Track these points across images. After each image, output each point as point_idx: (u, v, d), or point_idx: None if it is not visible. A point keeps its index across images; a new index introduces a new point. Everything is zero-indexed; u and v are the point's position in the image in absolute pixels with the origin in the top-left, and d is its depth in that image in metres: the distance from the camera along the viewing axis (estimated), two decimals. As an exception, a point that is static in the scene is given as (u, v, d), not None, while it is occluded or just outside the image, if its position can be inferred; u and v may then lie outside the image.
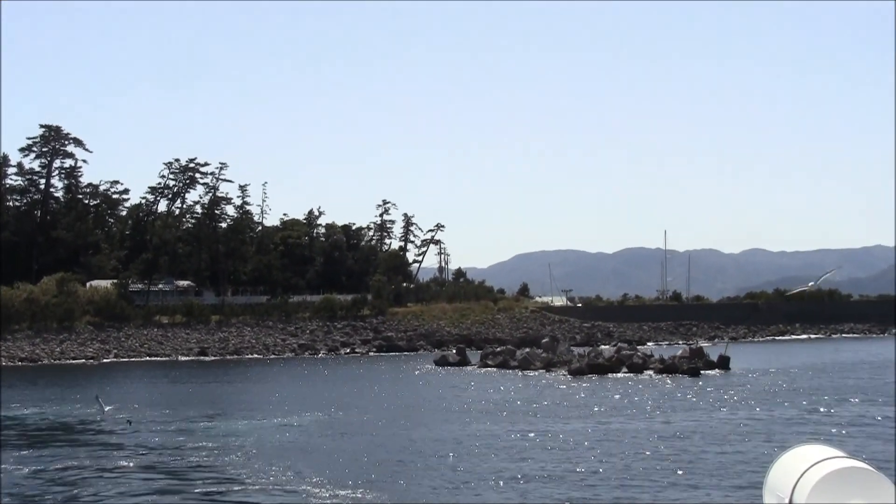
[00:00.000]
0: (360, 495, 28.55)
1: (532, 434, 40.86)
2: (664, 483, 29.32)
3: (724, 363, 75.61)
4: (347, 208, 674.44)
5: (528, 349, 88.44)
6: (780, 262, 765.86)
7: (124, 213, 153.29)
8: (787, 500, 4.11)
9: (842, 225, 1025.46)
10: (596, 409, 50.47)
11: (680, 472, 30.84)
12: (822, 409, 48.19)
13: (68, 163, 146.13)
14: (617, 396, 56.85)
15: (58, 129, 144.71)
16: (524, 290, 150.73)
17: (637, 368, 74.55)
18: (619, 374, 72.84)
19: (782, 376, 69.02)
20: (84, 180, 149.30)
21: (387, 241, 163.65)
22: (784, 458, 4.37)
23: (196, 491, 29.84)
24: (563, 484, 29.51)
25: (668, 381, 66.74)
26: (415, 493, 29.12)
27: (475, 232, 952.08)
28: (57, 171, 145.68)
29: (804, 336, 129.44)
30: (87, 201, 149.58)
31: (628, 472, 31.31)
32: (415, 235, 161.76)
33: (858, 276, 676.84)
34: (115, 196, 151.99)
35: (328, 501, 28.02)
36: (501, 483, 29.89)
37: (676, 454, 34.57)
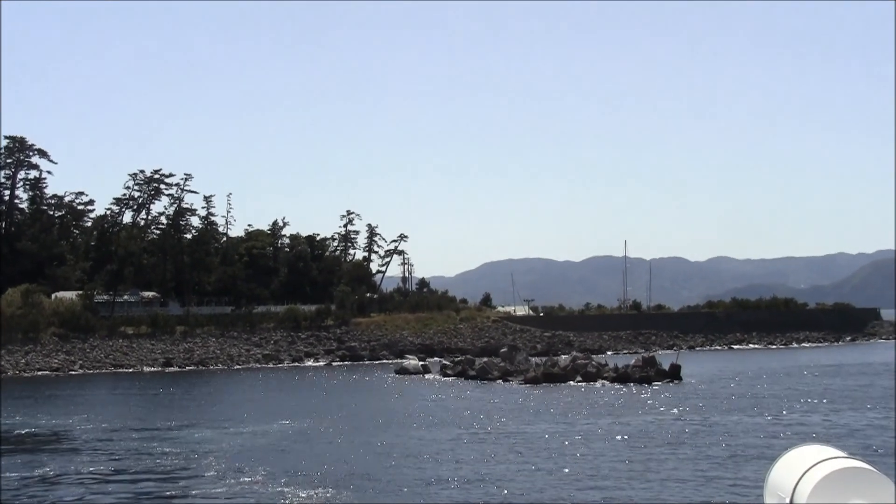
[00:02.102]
0: (328, 497, 30.75)
1: (466, 439, 42.99)
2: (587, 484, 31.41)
3: (675, 372, 77.72)
4: (312, 219, 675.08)
5: (486, 358, 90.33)
6: (745, 270, 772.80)
7: (89, 224, 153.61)
8: (787, 500, 4.14)
9: (806, 233, 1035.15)
10: (534, 414, 52.66)
11: (591, 475, 32.97)
12: (753, 416, 50.41)
13: (33, 174, 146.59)
14: (561, 404, 59.00)
15: (22, 141, 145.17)
16: (487, 300, 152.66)
17: (591, 377, 76.63)
18: (573, 383, 74.93)
19: (728, 384, 71.35)
20: (49, 191, 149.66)
21: (351, 251, 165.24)
22: (785, 458, 4.42)
23: (167, 495, 31.84)
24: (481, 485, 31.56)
25: (615, 390, 68.92)
26: (378, 494, 31.58)
27: (442, 241, 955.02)
28: (21, 183, 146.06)
29: (759, 346, 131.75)
30: (51, 213, 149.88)
31: (553, 472, 33.41)
32: (378, 246, 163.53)
33: (822, 283, 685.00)
34: (80, 207, 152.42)
35: (296, 499, 30.22)
36: (445, 483, 31.90)
37: (591, 456, 36.90)
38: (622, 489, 31.10)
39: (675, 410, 54.22)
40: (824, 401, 58.46)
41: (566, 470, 34.76)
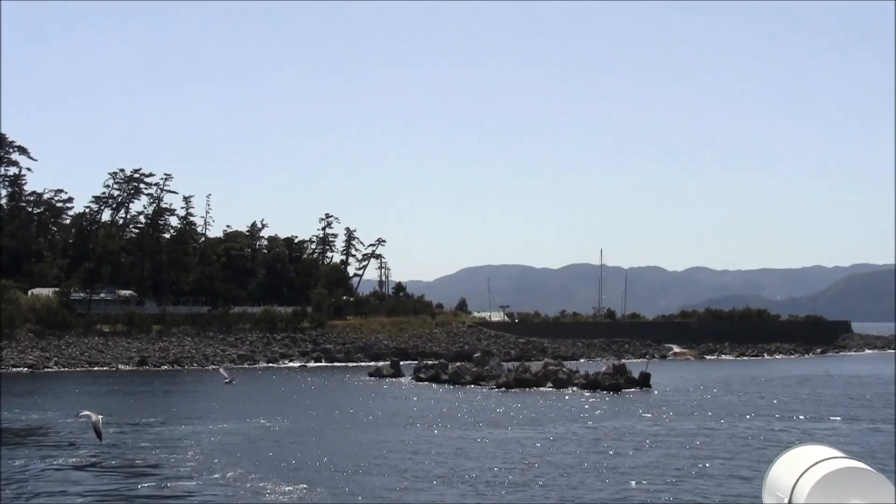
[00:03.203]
0: (300, 492, 32.25)
1: (426, 441, 43.98)
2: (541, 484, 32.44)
3: (644, 380, 78.87)
4: (290, 221, 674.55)
5: (459, 363, 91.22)
6: (722, 281, 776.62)
7: (68, 221, 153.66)
8: (786, 500, 4.15)
9: (783, 246, 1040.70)
10: (499, 419, 53.74)
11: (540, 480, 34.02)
12: (714, 424, 51.57)
13: (12, 171, 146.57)
14: (525, 410, 60.05)
15: (2, 137, 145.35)
16: (462, 305, 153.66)
17: (562, 384, 77.64)
18: (544, 389, 75.94)
19: (695, 393, 72.55)
20: (28, 188, 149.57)
21: (328, 254, 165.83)
22: (783, 458, 4.42)
23: (144, 489, 32.86)
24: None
25: (584, 397, 70.01)
26: (348, 489, 32.96)
27: (422, 245, 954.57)
28: (0, 179, 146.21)
29: (731, 356, 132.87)
30: (30, 209, 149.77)
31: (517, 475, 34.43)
32: (356, 249, 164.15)
33: (798, 295, 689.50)
34: (58, 205, 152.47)
35: (270, 497, 31.26)
36: (412, 481, 32.92)
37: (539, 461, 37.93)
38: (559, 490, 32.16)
39: (647, 416, 55.33)
40: (783, 409, 59.71)
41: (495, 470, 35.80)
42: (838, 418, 55.50)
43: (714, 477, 35.03)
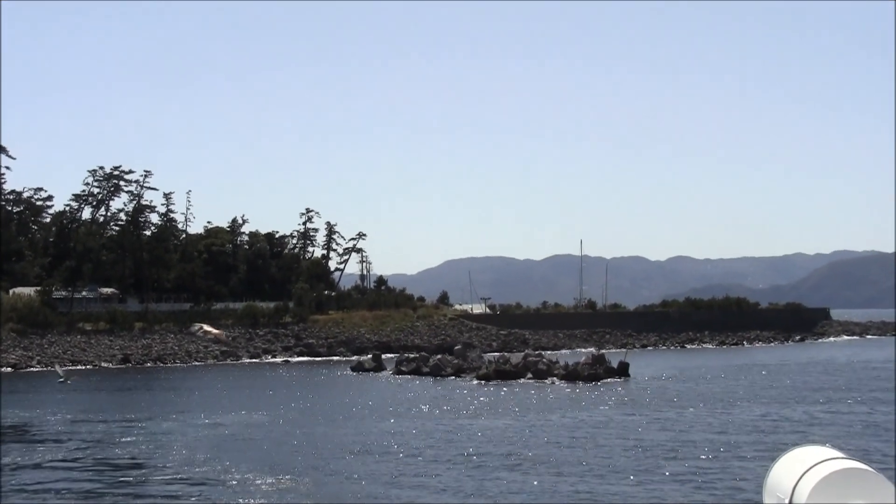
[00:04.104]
0: (286, 482, 33.24)
1: (395, 431, 44.69)
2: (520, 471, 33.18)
3: (623, 369, 79.63)
4: (271, 216, 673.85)
5: (440, 356, 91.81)
6: (704, 270, 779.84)
7: (48, 220, 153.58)
8: (786, 501, 4.16)
9: (765, 234, 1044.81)
10: (475, 409, 54.46)
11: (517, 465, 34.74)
12: (693, 410, 52.41)
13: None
14: (504, 400, 60.83)
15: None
16: (444, 298, 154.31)
17: (541, 375, 78.29)
18: (524, 380, 76.63)
19: (671, 382, 73.44)
20: (7, 187, 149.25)
21: (310, 249, 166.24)
22: (784, 458, 4.41)
23: (130, 481, 33.60)
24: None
25: (562, 386, 70.83)
26: (332, 478, 34.18)
27: (404, 239, 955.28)
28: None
29: (711, 345, 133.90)
30: (10, 208, 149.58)
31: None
32: (337, 244, 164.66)
33: (780, 283, 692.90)
34: (38, 203, 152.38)
35: (257, 487, 32.22)
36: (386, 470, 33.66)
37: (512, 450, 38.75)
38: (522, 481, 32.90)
39: (606, 407, 56.11)
40: (756, 396, 60.68)
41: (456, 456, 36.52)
42: (815, 404, 56.40)
43: (686, 461, 35.77)
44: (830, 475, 4.06)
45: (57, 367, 75.21)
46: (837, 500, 3.98)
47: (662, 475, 33.32)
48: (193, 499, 30.97)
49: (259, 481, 33.21)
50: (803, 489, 4.08)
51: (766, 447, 38.91)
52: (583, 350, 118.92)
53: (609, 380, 76.18)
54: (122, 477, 35.16)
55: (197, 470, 35.96)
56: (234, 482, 33.26)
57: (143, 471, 36.39)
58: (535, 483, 32.36)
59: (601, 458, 37.08)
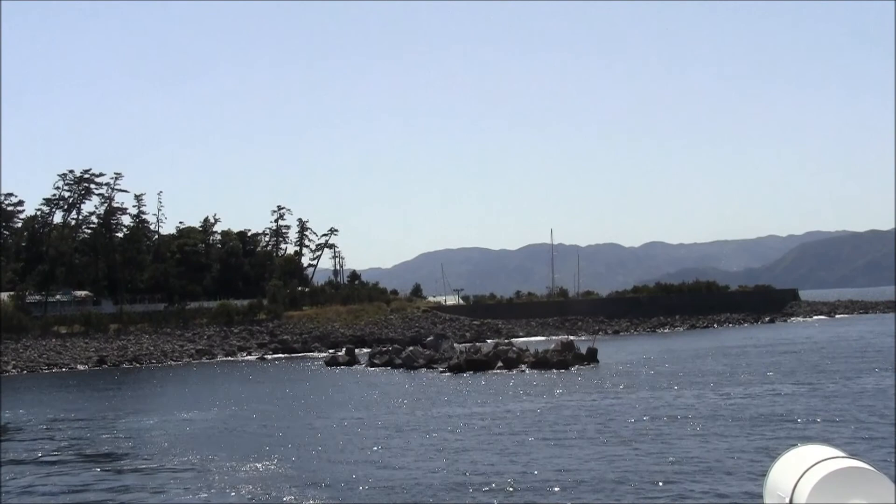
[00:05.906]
0: (269, 471, 34.40)
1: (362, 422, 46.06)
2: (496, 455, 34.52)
3: (592, 355, 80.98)
4: (243, 215, 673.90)
5: (412, 347, 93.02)
6: (678, 255, 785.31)
7: (19, 225, 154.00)
8: (787, 500, 4.13)
9: (738, 216, 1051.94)
10: (440, 399, 55.89)
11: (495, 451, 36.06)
12: (656, 393, 53.89)
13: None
14: (473, 390, 62.24)
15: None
16: (417, 291, 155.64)
17: (512, 363, 79.46)
18: (494, 371, 77.85)
19: (639, 366, 74.99)
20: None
21: (282, 246, 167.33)
22: (784, 457, 4.37)
23: (114, 478, 34.83)
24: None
25: (531, 374, 72.27)
26: (310, 466, 35.22)
27: (378, 233, 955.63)
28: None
29: (681, 328, 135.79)
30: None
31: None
32: (310, 240, 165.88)
33: (754, 266, 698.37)
34: (9, 208, 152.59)
35: (242, 475, 33.67)
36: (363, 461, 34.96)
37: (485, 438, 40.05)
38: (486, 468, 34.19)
39: (590, 388, 57.54)
40: (717, 378, 62.19)
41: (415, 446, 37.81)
42: (775, 382, 57.95)
43: (651, 441, 37.06)
44: (831, 474, 3.99)
45: None
46: (838, 500, 3.93)
47: (615, 454, 34.58)
48: (179, 488, 32.15)
49: (243, 469, 34.80)
50: (804, 488, 4.02)
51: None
52: (555, 338, 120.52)
53: (578, 366, 77.52)
54: (102, 469, 36.38)
55: (178, 460, 37.49)
56: (217, 470, 34.75)
57: (123, 461, 37.98)
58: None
59: (559, 438, 38.38)
